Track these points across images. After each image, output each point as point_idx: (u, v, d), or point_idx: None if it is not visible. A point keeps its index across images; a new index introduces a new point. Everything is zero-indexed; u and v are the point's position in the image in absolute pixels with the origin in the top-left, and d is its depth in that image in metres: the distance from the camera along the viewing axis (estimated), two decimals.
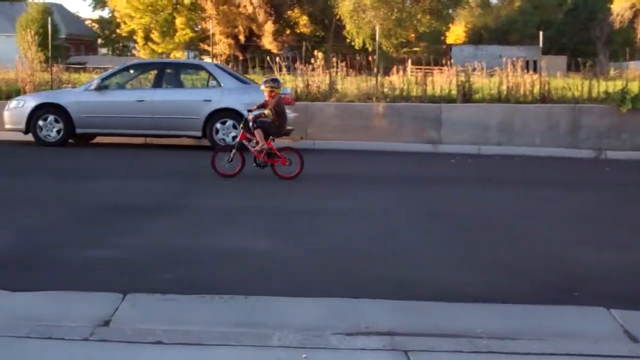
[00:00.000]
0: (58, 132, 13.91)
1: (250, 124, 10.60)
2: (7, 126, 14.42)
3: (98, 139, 14.90)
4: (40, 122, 13.90)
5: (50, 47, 18.65)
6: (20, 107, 14.13)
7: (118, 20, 49.49)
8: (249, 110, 10.81)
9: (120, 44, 64.01)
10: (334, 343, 4.35)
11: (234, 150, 10.71)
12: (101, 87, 13.99)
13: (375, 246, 6.85)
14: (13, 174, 10.92)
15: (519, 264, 6.30)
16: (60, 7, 58.07)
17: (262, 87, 10.92)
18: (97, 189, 9.71)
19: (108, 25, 61.95)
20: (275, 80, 11.00)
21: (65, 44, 51.12)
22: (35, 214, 7.92)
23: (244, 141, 10.77)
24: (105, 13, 66.05)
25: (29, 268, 5.85)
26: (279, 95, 10.81)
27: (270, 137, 10.73)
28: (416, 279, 5.72)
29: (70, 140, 14.16)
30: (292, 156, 10.84)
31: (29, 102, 14.15)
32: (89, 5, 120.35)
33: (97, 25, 66.61)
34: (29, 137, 14.17)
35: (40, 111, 13.92)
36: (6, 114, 14.35)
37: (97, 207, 8.44)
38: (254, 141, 10.63)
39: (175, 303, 5.05)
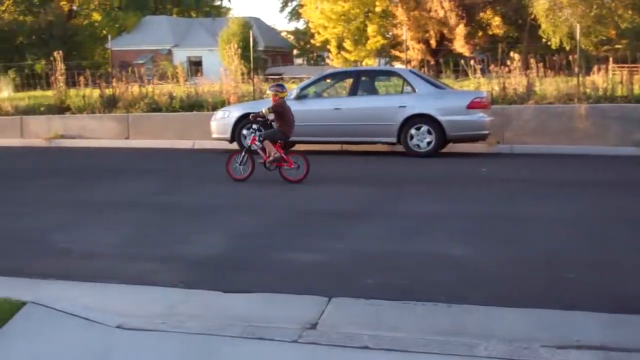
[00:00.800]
0: None
1: (257, 136, 11.22)
2: (214, 135, 15.27)
3: (296, 146, 15.35)
4: (244, 131, 14.57)
5: (251, 59, 19.53)
6: (225, 118, 14.91)
7: (312, 30, 50.95)
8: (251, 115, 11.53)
9: (315, 54, 65.89)
10: (544, 356, 4.18)
11: (244, 154, 11.25)
12: (300, 97, 14.44)
13: (583, 255, 6.52)
14: (221, 182, 11.52)
15: None
16: (258, 21, 60.77)
17: (268, 91, 11.82)
18: (299, 195, 10.05)
19: (303, 36, 63.98)
20: (280, 86, 11.75)
21: (263, 55, 53.44)
22: (244, 219, 8.34)
23: (253, 145, 11.28)
24: (300, 24, 68.39)
25: (241, 270, 6.16)
26: (282, 100, 11.28)
27: (279, 141, 11.12)
28: (630, 291, 5.39)
29: None
30: (299, 160, 11.07)
31: (233, 113, 14.90)
32: (285, 18, 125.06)
33: (292, 37, 69.03)
34: (234, 146, 14.89)
35: (244, 121, 14.57)
36: (213, 124, 15.20)
37: (301, 212, 8.75)
38: (267, 150, 11.04)
39: (378, 308, 5.10)
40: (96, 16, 65.77)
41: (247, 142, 14.44)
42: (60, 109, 19.66)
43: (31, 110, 19.85)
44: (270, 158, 11.01)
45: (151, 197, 10.12)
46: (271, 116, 11.25)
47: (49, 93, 21.58)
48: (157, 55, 55.00)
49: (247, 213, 8.71)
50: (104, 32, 61.53)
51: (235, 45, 19.59)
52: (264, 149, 11.13)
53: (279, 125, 11.22)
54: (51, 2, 60.97)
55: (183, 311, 5.10)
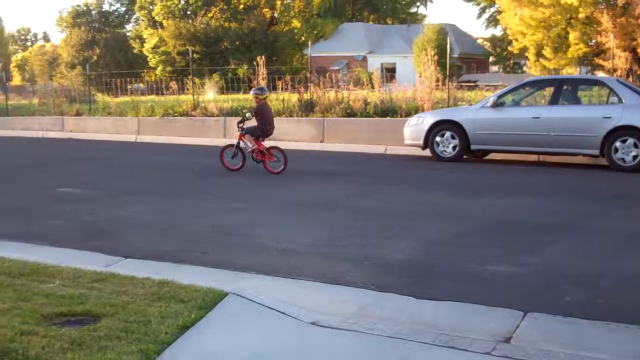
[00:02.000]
0: (454, 148, 14.37)
1: (239, 130, 13.09)
2: (407, 142, 15.31)
3: (490, 156, 15.08)
4: (438, 138, 14.50)
5: (447, 66, 19.38)
6: (419, 124, 14.89)
7: (510, 37, 49.65)
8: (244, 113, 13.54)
9: (511, 61, 64.30)
10: None
11: (234, 149, 13.22)
12: (497, 105, 14.09)
13: None
14: (413, 188, 11.56)
15: None
16: (453, 27, 60.22)
17: (251, 93, 13.78)
18: (491, 205, 9.82)
19: (500, 43, 62.64)
20: (261, 89, 13.81)
21: (458, 62, 52.87)
22: (437, 226, 8.28)
23: (241, 142, 13.18)
24: (497, 31, 66.99)
25: (433, 277, 6.12)
26: (263, 102, 13.23)
27: (260, 138, 13.02)
28: None
29: (464, 156, 14.55)
30: (279, 155, 12.96)
31: (427, 119, 14.85)
32: (482, 24, 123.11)
33: (488, 44, 67.81)
34: (426, 152, 14.88)
35: (437, 128, 14.52)
36: (406, 130, 15.24)
37: (494, 222, 8.55)
38: (247, 142, 13.08)
39: (576, 327, 4.89)
40: (296, 23, 68.22)
41: (440, 149, 14.47)
42: None
43: (234, 112, 20.94)
44: (249, 149, 13.00)
45: (345, 199, 10.32)
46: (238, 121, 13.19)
47: (251, 96, 22.65)
48: (352, 61, 56.09)
49: (439, 220, 8.64)
50: (303, 38, 63.73)
51: (432, 52, 19.48)
52: (253, 149, 12.98)
53: (259, 124, 12.99)
54: (254, 10, 64.05)
55: (375, 313, 5.16)
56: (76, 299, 5.04)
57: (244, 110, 13.44)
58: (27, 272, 5.78)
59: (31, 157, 17.35)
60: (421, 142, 14.77)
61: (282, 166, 12.80)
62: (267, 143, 13.34)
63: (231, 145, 13.43)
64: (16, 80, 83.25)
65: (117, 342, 4.28)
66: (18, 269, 5.86)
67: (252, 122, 13.17)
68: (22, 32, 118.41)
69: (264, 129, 13.08)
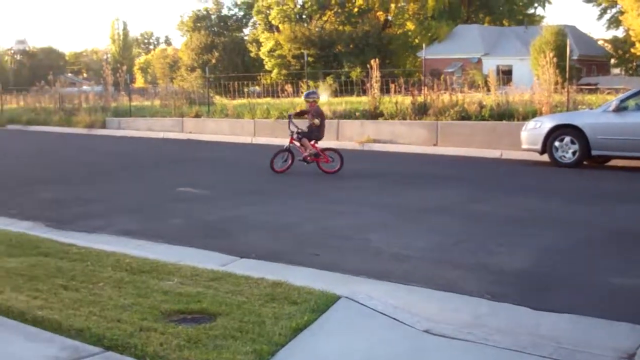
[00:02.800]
0: (573, 153, 13.87)
1: (295, 135, 13.39)
2: (524, 146, 14.91)
3: (612, 162, 14.49)
4: (557, 143, 14.04)
5: (567, 68, 18.77)
6: (537, 128, 14.48)
7: (633, 39, 47.72)
8: (289, 116, 13.93)
9: (634, 64, 61.59)
10: None
11: (286, 152, 13.52)
12: (619, 109, 13.51)
13: None
14: (530, 194, 11.24)
15: None
16: (573, 29, 58.28)
17: (304, 99, 14.22)
18: (613, 213, 9.43)
19: (622, 44, 60.15)
20: (315, 93, 14.57)
21: (577, 65, 51.13)
22: (554, 235, 8.00)
23: (291, 144, 13.51)
24: (619, 32, 64.36)
25: (550, 287, 5.92)
26: (317, 104, 13.79)
27: (314, 140, 13.43)
28: None
29: (584, 162, 14.03)
30: (334, 155, 13.39)
31: (545, 124, 14.42)
32: (603, 26, 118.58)
33: (609, 45, 65.22)
34: (543, 158, 14.45)
35: (556, 132, 14.06)
36: (524, 135, 14.85)
37: (614, 231, 8.18)
38: (304, 147, 13.43)
39: None
40: (410, 25, 67.81)
41: (559, 154, 14.01)
42: (374, 114, 20.59)
43: (346, 115, 21.04)
44: (306, 153, 13.40)
45: (460, 204, 10.14)
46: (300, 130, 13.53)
47: (364, 99, 22.72)
48: (466, 63, 55.22)
49: (558, 228, 8.35)
50: (416, 40, 63.29)
51: (550, 54, 18.90)
52: (301, 147, 13.46)
53: (317, 126, 13.39)
54: (368, 13, 64.15)
55: (490, 323, 5.02)
56: (193, 297, 5.17)
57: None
58: (147, 269, 5.98)
59: (153, 157, 18.02)
60: (539, 146, 14.35)
61: (338, 166, 13.24)
62: (318, 145, 13.77)
63: (283, 151, 13.67)
64: (139, 82, 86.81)
65: (232, 341, 4.34)
66: (138, 266, 6.07)
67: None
68: (146, 35, 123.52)
69: (322, 131, 13.62)
